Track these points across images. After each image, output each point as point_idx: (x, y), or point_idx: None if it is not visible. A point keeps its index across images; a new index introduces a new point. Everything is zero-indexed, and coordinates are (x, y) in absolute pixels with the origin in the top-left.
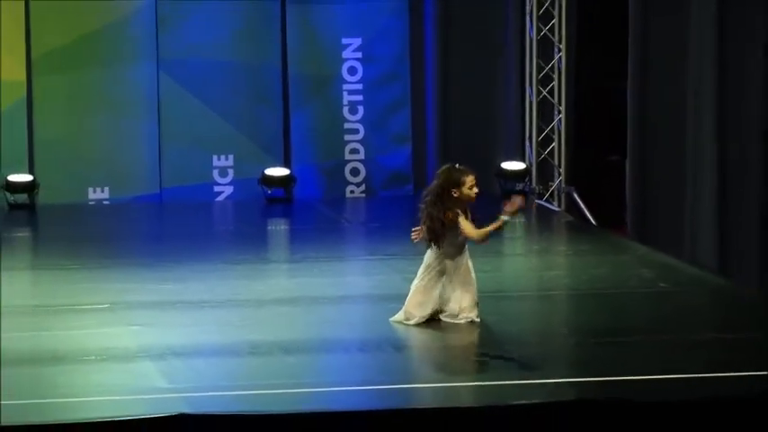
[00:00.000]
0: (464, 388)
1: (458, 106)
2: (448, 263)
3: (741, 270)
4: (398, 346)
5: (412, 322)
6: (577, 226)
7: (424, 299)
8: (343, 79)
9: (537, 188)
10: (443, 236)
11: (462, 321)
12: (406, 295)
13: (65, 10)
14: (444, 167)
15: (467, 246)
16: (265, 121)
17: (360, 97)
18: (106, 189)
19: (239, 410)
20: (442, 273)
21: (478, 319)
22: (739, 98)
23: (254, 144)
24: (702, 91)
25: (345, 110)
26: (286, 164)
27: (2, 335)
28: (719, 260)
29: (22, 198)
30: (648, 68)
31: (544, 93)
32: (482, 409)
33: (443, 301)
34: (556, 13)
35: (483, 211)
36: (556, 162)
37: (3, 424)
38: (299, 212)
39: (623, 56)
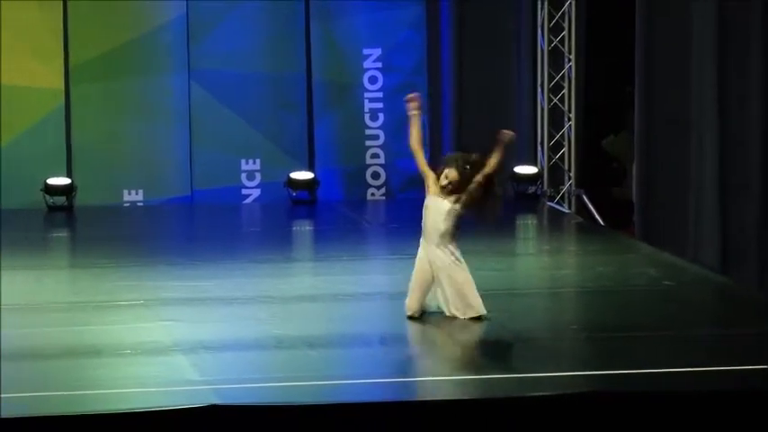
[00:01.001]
0: (479, 381)
1: (472, 113)
2: (437, 254)
3: (742, 269)
4: (416, 341)
5: (409, 313)
6: (587, 227)
7: (415, 289)
8: (365, 88)
9: (548, 191)
10: (471, 204)
11: (470, 316)
12: None
13: (101, 21)
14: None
15: (455, 242)
16: (291, 128)
17: (380, 105)
18: (140, 191)
19: (266, 401)
20: (428, 263)
21: (485, 312)
22: (741, 101)
23: (279, 149)
24: (705, 95)
25: (366, 117)
26: (310, 167)
27: (42, 330)
28: (722, 259)
29: (61, 200)
30: (654, 76)
31: (555, 100)
32: (498, 401)
33: (445, 299)
34: (566, 25)
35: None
36: (566, 166)
37: (44, 414)
38: (323, 214)
39: (630, 65)
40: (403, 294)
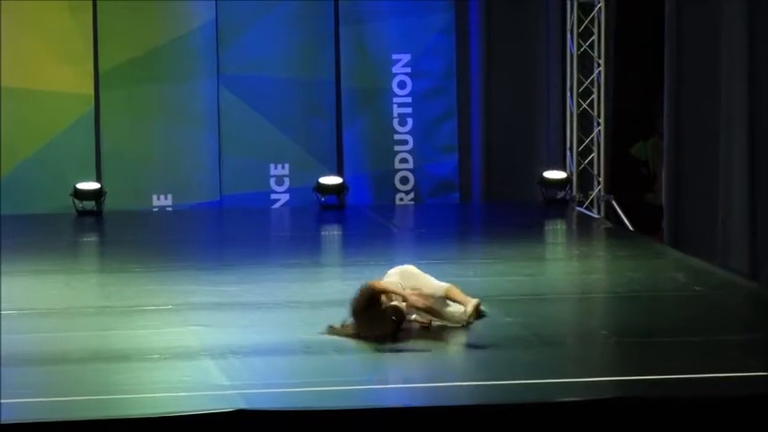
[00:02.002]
0: (507, 386)
1: (502, 118)
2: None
3: None
4: (444, 346)
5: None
6: (616, 232)
7: None
8: (393, 93)
9: (577, 196)
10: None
11: (462, 323)
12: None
13: (131, 26)
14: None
15: None
16: (319, 133)
17: (409, 110)
18: (169, 196)
19: (294, 406)
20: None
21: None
22: None
23: (308, 154)
24: (735, 100)
25: (395, 122)
26: (339, 172)
27: (71, 334)
28: (751, 264)
29: (90, 205)
30: (683, 82)
31: (584, 105)
32: (526, 406)
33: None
34: (595, 30)
35: (524, 218)
36: (595, 171)
37: (72, 418)
38: (351, 219)
39: (659, 70)
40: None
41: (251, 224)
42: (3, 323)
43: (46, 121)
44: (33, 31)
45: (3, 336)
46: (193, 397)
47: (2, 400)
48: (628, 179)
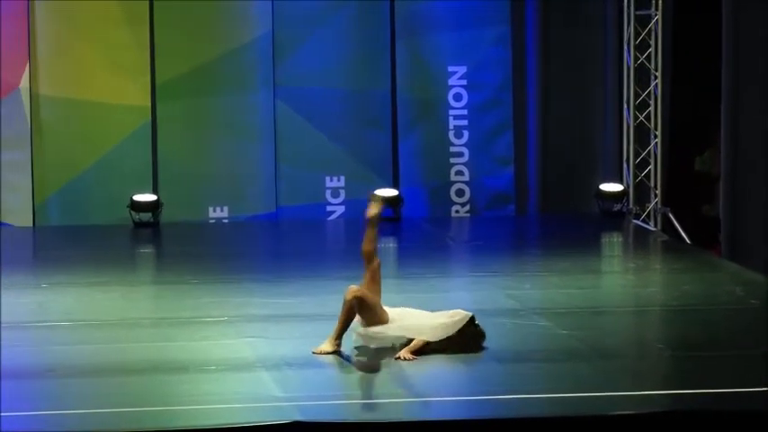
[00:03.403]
0: (564, 399)
1: (558, 130)
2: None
3: None
4: (499, 358)
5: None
6: (672, 245)
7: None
8: (449, 105)
9: (634, 209)
10: None
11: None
12: (511, 310)
13: (187, 39)
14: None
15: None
16: (375, 145)
17: (465, 122)
18: (225, 208)
19: (349, 418)
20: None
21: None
22: None
23: (364, 166)
24: None
25: (451, 134)
26: (394, 185)
27: (127, 346)
28: None
29: (147, 216)
30: (740, 93)
31: (641, 118)
32: (582, 419)
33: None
34: (652, 42)
35: (580, 231)
36: (652, 184)
37: (129, 430)
38: (407, 231)
39: (717, 82)
40: (487, 312)
41: (306, 236)
42: (60, 334)
43: (104, 132)
44: (92, 44)
45: (59, 347)
46: (249, 409)
47: (59, 412)
48: (685, 191)
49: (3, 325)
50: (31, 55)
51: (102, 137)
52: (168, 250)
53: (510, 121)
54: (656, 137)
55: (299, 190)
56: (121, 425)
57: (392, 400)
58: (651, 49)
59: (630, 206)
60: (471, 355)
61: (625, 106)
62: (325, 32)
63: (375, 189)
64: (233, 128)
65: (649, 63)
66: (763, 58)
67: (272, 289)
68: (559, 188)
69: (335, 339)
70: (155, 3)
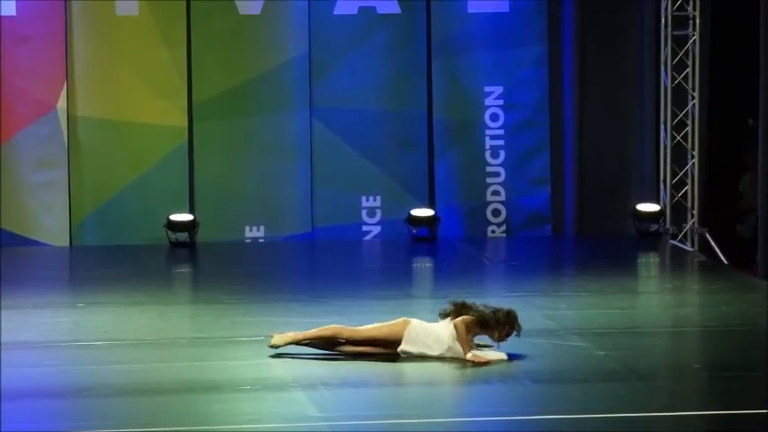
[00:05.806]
0: (602, 419)
1: (594, 150)
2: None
3: None
4: (536, 378)
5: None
6: (709, 265)
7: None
8: (486, 125)
9: (671, 229)
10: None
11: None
12: (547, 330)
13: (224, 60)
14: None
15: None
16: (411, 165)
17: (501, 142)
18: (261, 228)
19: None
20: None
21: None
22: None
23: (400, 186)
24: None
25: (487, 154)
26: (431, 205)
27: (163, 365)
28: None
29: (183, 236)
30: None
31: (678, 138)
32: None
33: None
34: (689, 62)
35: (617, 251)
36: (689, 204)
37: None
38: (443, 251)
39: (754, 103)
40: (524, 332)
41: (342, 256)
42: (96, 353)
43: (140, 153)
44: (129, 65)
45: (95, 366)
46: (285, 428)
47: (95, 431)
48: (721, 212)
49: (40, 344)
50: (68, 76)
51: (139, 157)
52: (204, 270)
53: (546, 141)
54: (693, 157)
55: (335, 210)
56: None
57: (427, 420)
58: (688, 69)
59: (667, 226)
60: (508, 374)
61: (662, 126)
62: (361, 53)
63: (411, 209)
64: (269, 148)
65: (686, 83)
66: None
67: (309, 308)
68: (596, 208)
69: (296, 338)
70: (192, 24)
